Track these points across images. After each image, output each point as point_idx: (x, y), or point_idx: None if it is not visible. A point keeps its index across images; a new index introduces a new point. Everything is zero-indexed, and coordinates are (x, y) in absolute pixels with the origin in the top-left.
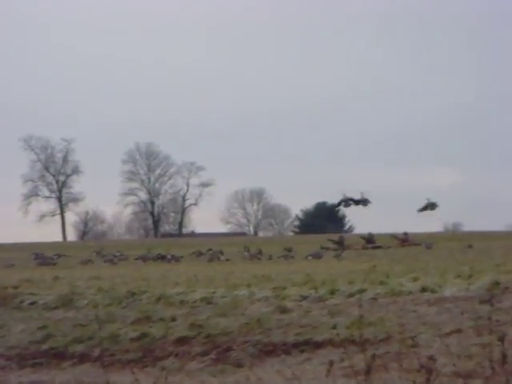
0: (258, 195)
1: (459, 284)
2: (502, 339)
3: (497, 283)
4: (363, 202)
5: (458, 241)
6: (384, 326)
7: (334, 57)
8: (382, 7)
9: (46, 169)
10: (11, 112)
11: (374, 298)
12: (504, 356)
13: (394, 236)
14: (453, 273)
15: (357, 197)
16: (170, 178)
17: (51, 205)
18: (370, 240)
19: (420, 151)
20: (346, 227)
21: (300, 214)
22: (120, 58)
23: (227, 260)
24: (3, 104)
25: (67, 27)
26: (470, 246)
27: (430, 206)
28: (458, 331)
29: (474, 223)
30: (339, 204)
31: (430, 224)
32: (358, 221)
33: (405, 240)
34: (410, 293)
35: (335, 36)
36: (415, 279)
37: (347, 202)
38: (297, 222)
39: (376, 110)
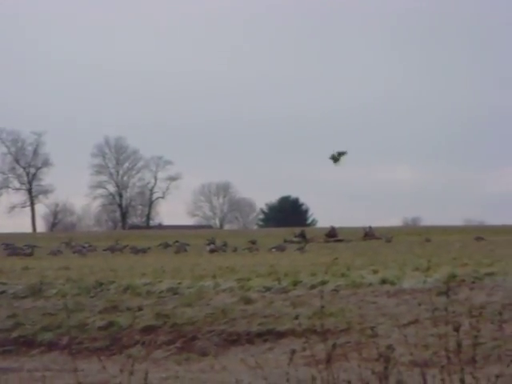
0: (224, 189)
1: (417, 276)
2: (457, 329)
3: (453, 276)
4: None
5: (417, 235)
6: (345, 317)
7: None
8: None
9: (17, 161)
10: None
11: (336, 290)
12: (459, 346)
13: (364, 229)
14: (411, 266)
15: None
16: (138, 172)
17: (21, 196)
18: (332, 234)
19: (378, 148)
20: (309, 221)
21: (264, 208)
22: (92, 53)
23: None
24: None
25: (38, 25)
26: (428, 240)
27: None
28: (416, 322)
29: (432, 218)
30: None
31: (390, 218)
32: (321, 214)
33: (370, 234)
34: (370, 285)
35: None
36: (375, 272)
37: None
38: (261, 216)
39: (336, 107)
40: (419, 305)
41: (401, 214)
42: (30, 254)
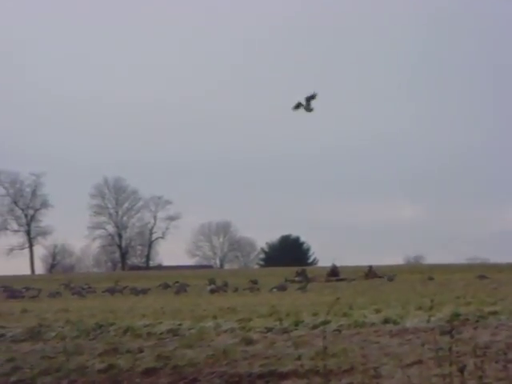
0: (224, 228)
1: (420, 315)
2: (461, 370)
3: (457, 315)
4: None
5: (420, 273)
6: (347, 357)
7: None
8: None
9: (15, 203)
10: None
11: (338, 330)
12: None
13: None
14: (414, 304)
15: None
16: (137, 212)
17: (20, 238)
18: (333, 272)
19: (380, 186)
20: (311, 259)
21: (265, 247)
22: (89, 94)
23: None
24: None
25: (39, 65)
26: (430, 279)
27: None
28: (419, 362)
29: (435, 256)
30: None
31: (392, 257)
32: (322, 253)
33: (372, 273)
34: (373, 324)
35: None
36: (378, 311)
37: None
38: (262, 255)
39: (336, 145)
40: (423, 345)
41: (403, 252)
42: (35, 297)
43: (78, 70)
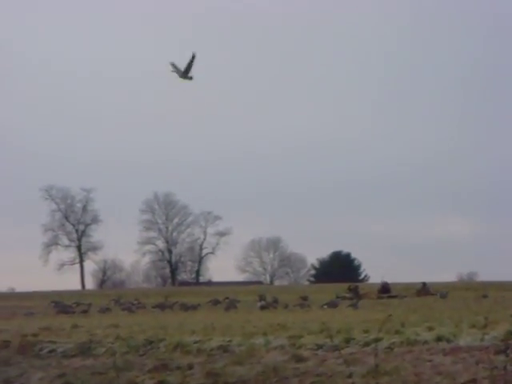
0: (274, 244)
1: (474, 334)
2: None
3: None
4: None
5: (473, 290)
6: (400, 376)
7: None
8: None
9: (66, 218)
10: (32, 162)
11: (390, 348)
12: None
13: (420, 285)
14: (468, 322)
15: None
16: (187, 227)
17: (71, 253)
18: (384, 289)
19: (432, 202)
20: (362, 276)
21: (316, 263)
22: (136, 108)
23: None
24: (25, 154)
25: (83, 80)
26: (484, 296)
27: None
28: (473, 381)
29: (489, 273)
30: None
31: (444, 273)
32: (373, 269)
33: (425, 290)
34: (426, 342)
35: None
36: (430, 329)
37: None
38: (312, 271)
39: (385, 160)
40: (477, 363)
41: (455, 268)
42: (85, 312)
43: (126, 83)
